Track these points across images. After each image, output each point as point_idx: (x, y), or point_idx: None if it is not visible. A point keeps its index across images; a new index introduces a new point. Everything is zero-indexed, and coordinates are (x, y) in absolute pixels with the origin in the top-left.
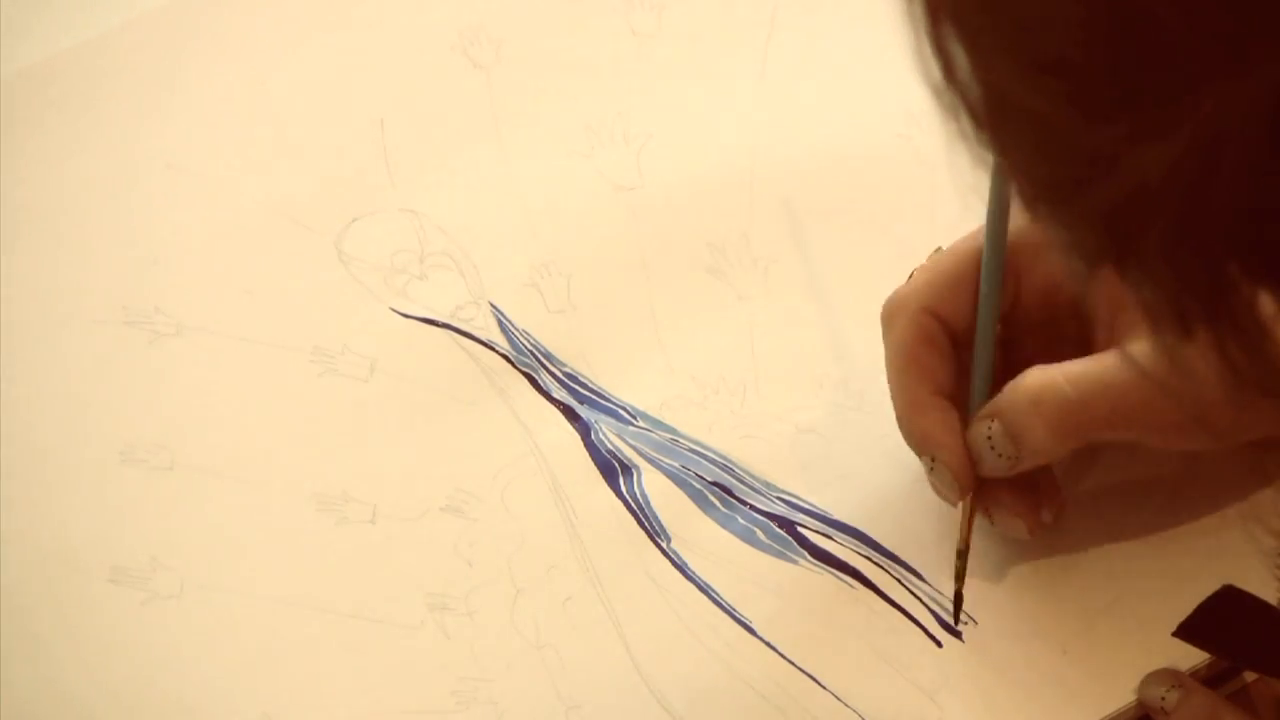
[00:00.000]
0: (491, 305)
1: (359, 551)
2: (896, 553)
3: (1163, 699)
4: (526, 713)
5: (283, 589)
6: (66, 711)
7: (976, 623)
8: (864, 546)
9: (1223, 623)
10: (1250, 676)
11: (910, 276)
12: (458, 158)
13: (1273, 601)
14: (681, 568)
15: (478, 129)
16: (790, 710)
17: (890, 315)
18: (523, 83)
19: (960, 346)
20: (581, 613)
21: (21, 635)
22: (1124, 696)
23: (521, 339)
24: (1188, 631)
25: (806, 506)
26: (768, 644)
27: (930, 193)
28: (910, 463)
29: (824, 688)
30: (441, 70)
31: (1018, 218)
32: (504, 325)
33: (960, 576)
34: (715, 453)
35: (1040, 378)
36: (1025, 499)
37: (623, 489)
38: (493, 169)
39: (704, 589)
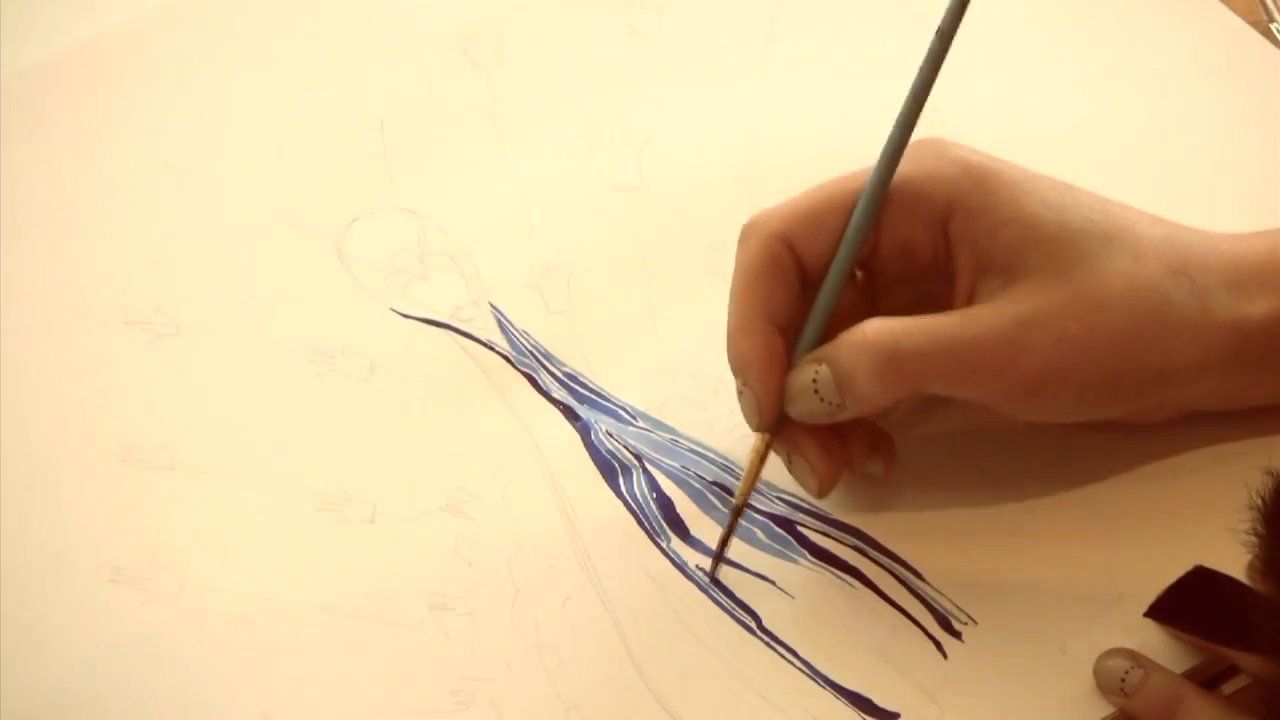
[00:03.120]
0: (491, 305)
1: (359, 551)
2: (896, 553)
3: (1123, 679)
4: (526, 713)
5: (283, 589)
6: (66, 711)
7: (976, 623)
8: (864, 546)
9: (1195, 602)
10: (1230, 688)
11: None
12: (458, 158)
13: (1248, 574)
14: (681, 568)
15: (478, 129)
16: (790, 710)
17: (747, 232)
18: (523, 83)
19: (808, 284)
20: (581, 613)
21: (21, 635)
22: None
23: (521, 339)
24: (1159, 611)
25: (806, 506)
26: (768, 644)
27: None
28: (910, 462)
29: (824, 687)
30: (441, 70)
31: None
32: (504, 325)
33: (727, 536)
34: (715, 453)
35: (877, 325)
36: (828, 455)
37: (622, 489)
38: (493, 169)
39: (704, 589)
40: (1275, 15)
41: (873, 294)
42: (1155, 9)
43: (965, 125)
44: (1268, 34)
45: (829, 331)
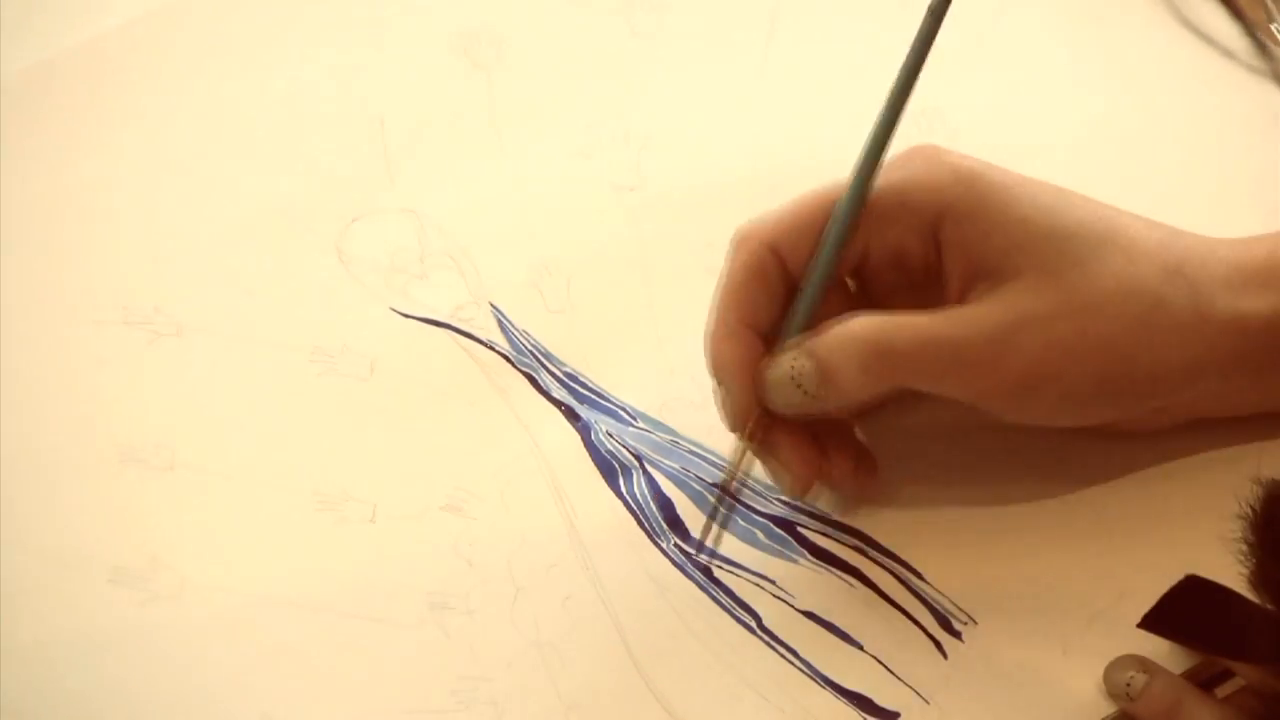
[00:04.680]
0: (491, 305)
1: (359, 551)
2: (896, 552)
3: (1128, 684)
4: (526, 712)
5: (283, 589)
6: (66, 711)
7: (976, 623)
8: (864, 546)
9: (1188, 612)
10: (1226, 690)
11: None
12: (458, 158)
13: (1239, 584)
14: (681, 567)
15: (478, 129)
16: (790, 710)
17: (736, 242)
18: (523, 83)
19: (794, 291)
20: (581, 612)
21: (21, 635)
22: None
23: (521, 339)
24: (1153, 622)
25: (806, 507)
26: (768, 644)
27: None
28: (910, 462)
29: (824, 687)
30: (442, 70)
31: (882, 174)
32: (504, 325)
33: (712, 515)
34: (715, 454)
35: (864, 319)
36: (801, 454)
37: (622, 489)
38: (493, 169)
39: (704, 589)
40: (1275, 15)
41: (862, 304)
42: (1155, 9)
43: (964, 126)
44: (1268, 34)
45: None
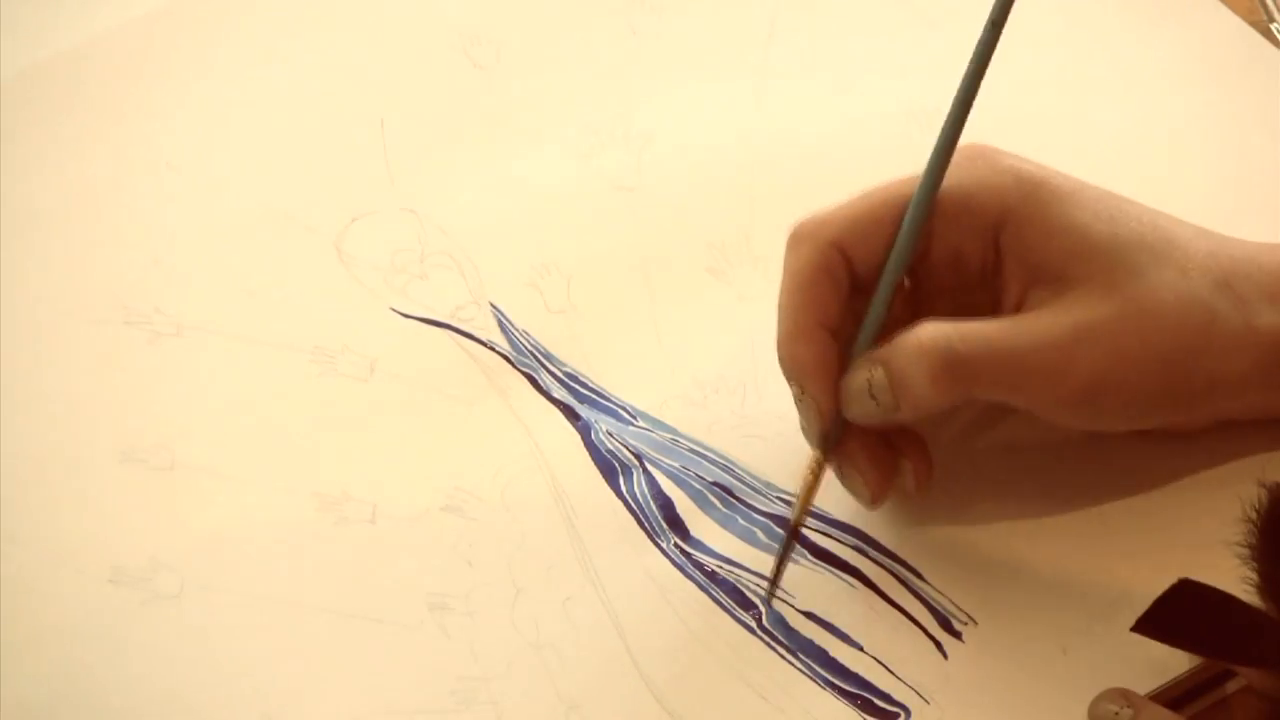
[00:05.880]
0: (491, 305)
1: (359, 551)
2: (896, 552)
3: (1115, 717)
4: (526, 713)
5: (283, 589)
6: (67, 711)
7: (976, 623)
8: (864, 546)
9: (1182, 615)
10: (1232, 687)
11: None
12: (458, 158)
13: (1241, 585)
14: (681, 568)
15: (478, 129)
16: (790, 710)
17: (797, 239)
18: (523, 83)
19: (857, 290)
20: (581, 613)
21: (22, 635)
22: None
23: (521, 339)
24: (1146, 626)
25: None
26: (768, 644)
27: None
28: None
29: (823, 687)
30: (441, 70)
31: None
32: (504, 325)
33: (783, 558)
34: (715, 453)
35: (932, 329)
36: (879, 466)
37: (622, 489)
38: (493, 169)
39: (704, 589)
40: (1275, 15)
41: (917, 303)
42: (1155, 9)
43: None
44: (1268, 34)
45: (879, 337)
